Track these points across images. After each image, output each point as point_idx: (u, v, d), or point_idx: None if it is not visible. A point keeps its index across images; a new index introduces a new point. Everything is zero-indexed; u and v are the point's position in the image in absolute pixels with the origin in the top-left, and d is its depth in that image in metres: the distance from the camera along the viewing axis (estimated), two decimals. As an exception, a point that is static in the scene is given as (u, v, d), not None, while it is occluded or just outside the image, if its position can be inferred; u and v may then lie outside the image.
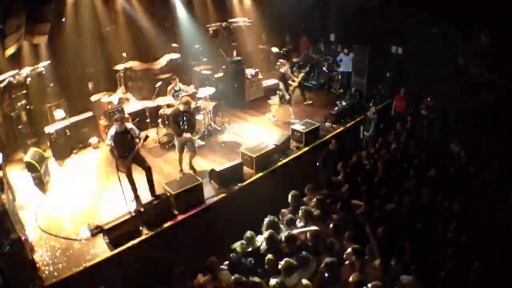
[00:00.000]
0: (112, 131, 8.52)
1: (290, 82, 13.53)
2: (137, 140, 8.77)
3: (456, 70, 14.19)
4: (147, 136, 9.29)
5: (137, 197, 9.15)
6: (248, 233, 7.44)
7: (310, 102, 14.76)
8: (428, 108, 13.44)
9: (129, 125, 8.87)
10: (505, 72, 12.76)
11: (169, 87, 12.31)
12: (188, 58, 15.69)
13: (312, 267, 6.58)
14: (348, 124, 13.09)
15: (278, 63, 15.08)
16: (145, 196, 9.14)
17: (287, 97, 12.97)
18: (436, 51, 14.35)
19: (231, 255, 7.21)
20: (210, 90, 12.48)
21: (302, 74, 14.23)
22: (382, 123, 12.73)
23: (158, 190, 9.11)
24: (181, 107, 9.80)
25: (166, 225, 8.53)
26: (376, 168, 10.08)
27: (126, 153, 8.62)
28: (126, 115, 11.65)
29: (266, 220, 7.55)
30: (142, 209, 8.53)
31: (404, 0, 14.50)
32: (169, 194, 8.87)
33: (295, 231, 7.30)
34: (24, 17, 10.08)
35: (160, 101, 11.93)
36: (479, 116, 12.80)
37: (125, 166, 8.70)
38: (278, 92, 13.23)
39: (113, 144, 8.46)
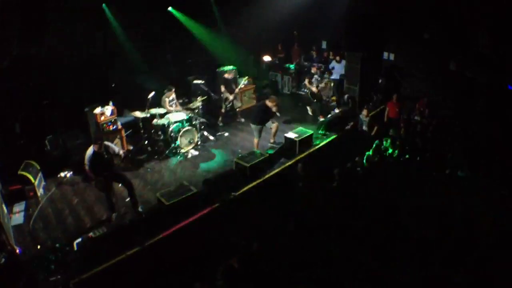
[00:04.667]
0: (91, 151, 8.48)
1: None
2: (117, 157, 8.86)
3: (448, 75, 14.27)
4: (128, 151, 9.34)
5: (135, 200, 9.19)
6: None
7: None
8: (421, 114, 13.52)
9: (108, 143, 8.90)
10: (505, 74, 12.81)
11: (163, 97, 12.35)
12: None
13: None
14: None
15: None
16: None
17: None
18: (428, 56, 14.46)
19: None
20: (202, 100, 12.59)
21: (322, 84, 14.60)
22: (376, 126, 12.82)
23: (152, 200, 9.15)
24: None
25: (161, 235, 8.52)
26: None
27: (105, 171, 8.62)
28: (120, 126, 11.69)
29: None
30: (136, 220, 8.55)
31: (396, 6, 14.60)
32: (163, 204, 8.88)
33: None
34: (17, 28, 10.13)
35: (154, 111, 11.98)
36: (473, 120, 12.88)
37: (102, 185, 8.71)
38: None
39: (90, 165, 8.48)
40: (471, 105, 13.37)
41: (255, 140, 11.70)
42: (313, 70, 14.90)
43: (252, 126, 11.65)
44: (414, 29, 14.65)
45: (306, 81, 14.49)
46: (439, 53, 14.26)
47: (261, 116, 11.51)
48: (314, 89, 14.18)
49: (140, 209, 9.19)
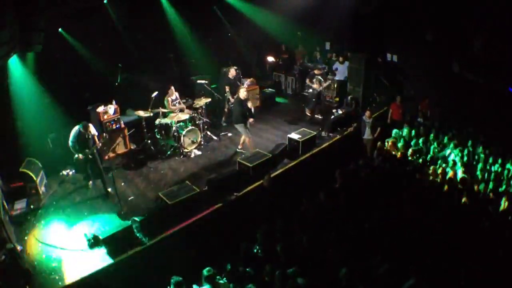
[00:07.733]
0: (76, 130, 9.64)
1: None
2: (97, 141, 10.03)
3: (451, 77, 14.21)
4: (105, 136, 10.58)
5: (104, 182, 10.11)
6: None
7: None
8: (424, 116, 13.47)
9: (90, 125, 9.94)
10: (499, 77, 12.76)
11: (166, 97, 12.31)
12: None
13: None
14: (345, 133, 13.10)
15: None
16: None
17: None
18: (431, 58, 14.41)
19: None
20: (206, 100, 12.56)
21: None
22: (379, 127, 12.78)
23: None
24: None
25: (164, 234, 8.48)
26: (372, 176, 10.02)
27: (85, 149, 9.74)
28: (122, 125, 11.67)
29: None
30: (139, 219, 8.51)
31: (399, 7, 14.56)
32: (165, 204, 8.84)
33: None
34: (17, 26, 10.06)
35: (157, 111, 11.94)
36: (474, 121, 12.86)
37: (81, 161, 9.83)
38: None
39: (73, 141, 9.61)
40: (470, 107, 13.33)
41: (247, 140, 11.66)
42: (316, 71, 14.65)
43: (236, 126, 11.61)
44: (416, 30, 14.58)
45: (307, 81, 14.47)
46: (442, 55, 14.20)
47: (236, 111, 11.46)
48: (315, 86, 14.19)
49: (109, 189, 10.03)
